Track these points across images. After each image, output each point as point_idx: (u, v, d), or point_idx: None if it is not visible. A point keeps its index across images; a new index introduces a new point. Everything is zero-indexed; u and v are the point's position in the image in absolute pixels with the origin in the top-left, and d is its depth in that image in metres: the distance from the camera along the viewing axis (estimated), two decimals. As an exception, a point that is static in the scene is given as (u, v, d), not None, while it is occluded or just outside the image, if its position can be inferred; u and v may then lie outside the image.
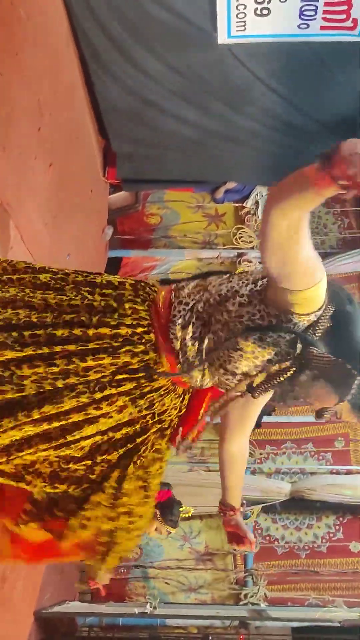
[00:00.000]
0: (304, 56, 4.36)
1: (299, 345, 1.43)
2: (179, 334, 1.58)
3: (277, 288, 1.41)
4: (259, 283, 1.53)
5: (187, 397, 1.77)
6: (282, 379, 1.49)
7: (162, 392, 1.66)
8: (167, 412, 1.71)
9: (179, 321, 1.58)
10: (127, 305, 1.61)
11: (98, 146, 5.22)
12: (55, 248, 4.02)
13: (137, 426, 1.67)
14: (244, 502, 2.00)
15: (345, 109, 4.79)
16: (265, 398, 1.64)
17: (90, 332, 1.56)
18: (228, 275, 1.64)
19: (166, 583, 5.05)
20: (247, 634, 4.82)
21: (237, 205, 6.17)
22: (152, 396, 1.64)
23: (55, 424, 1.56)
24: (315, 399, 1.50)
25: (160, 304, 1.63)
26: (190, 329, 1.57)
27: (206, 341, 1.56)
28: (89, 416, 1.58)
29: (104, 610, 4.16)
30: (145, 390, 1.62)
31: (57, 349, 1.54)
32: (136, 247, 6.09)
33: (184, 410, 1.78)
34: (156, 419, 1.69)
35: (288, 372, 1.48)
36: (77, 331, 1.55)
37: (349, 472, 5.26)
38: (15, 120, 3.09)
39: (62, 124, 4.02)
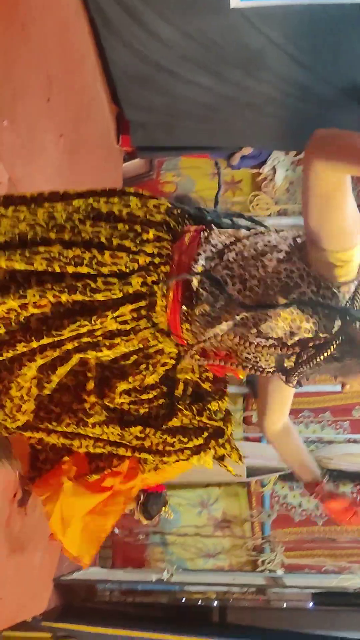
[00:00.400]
0: (319, 20, 4.22)
1: (338, 322, 1.32)
2: (200, 269, 1.47)
3: (316, 249, 1.32)
4: (299, 240, 1.43)
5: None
6: (319, 359, 1.36)
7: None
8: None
9: (202, 261, 1.48)
10: (151, 232, 1.52)
11: (111, 114, 5.14)
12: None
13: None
14: (319, 470, 1.94)
15: (362, 73, 4.65)
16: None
17: (107, 255, 1.49)
18: (263, 229, 1.54)
19: (184, 549, 5.14)
20: (268, 599, 4.92)
21: (253, 171, 6.07)
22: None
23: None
24: (346, 375, 1.45)
25: (186, 241, 1.53)
26: (214, 271, 1.47)
27: (235, 293, 1.45)
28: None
29: (122, 577, 4.25)
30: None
31: (70, 269, 1.49)
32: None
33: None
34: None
35: (326, 351, 1.34)
36: (93, 252, 1.49)
37: (366, 441, 5.26)
38: (24, 94, 3.05)
39: (73, 94, 3.96)
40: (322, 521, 5.20)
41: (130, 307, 1.50)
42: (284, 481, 5.32)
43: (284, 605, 5.03)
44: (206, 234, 1.53)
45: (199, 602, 4.93)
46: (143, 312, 1.53)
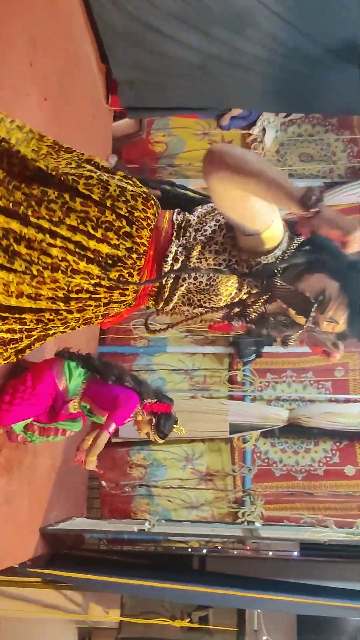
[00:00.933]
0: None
1: (271, 273, 1.64)
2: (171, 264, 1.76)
3: (242, 236, 1.59)
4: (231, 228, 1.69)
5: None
6: (256, 306, 1.71)
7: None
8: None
9: (170, 259, 1.76)
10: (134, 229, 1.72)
11: (100, 73, 5.11)
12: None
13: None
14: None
15: (351, 34, 4.63)
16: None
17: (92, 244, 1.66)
18: (205, 221, 1.76)
19: (169, 501, 5.35)
20: (257, 547, 5.16)
21: (243, 132, 6.06)
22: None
23: None
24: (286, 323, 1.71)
25: (162, 234, 1.77)
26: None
27: (186, 283, 1.77)
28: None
29: (107, 527, 4.45)
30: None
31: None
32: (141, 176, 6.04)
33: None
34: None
35: (259, 301, 1.69)
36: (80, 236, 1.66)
37: (346, 401, 5.42)
38: (5, 57, 3.06)
39: (58, 54, 3.95)
40: (302, 476, 5.41)
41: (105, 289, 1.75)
42: (265, 438, 5.51)
43: (270, 555, 5.29)
44: (176, 232, 1.76)
45: (187, 551, 5.18)
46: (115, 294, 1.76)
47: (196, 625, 4.63)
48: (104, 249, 1.66)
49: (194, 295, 1.79)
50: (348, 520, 5.00)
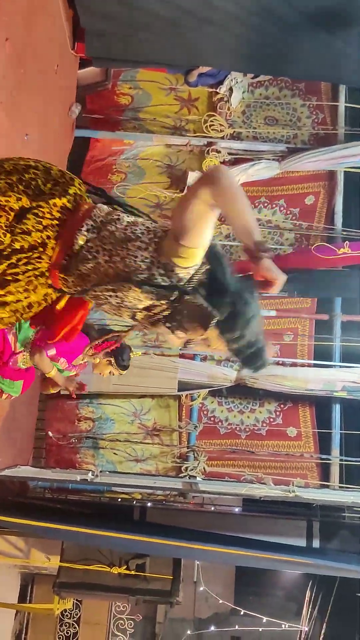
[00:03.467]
0: None
1: (175, 293, 1.81)
2: (81, 241, 1.88)
3: (174, 242, 1.75)
4: (159, 234, 1.83)
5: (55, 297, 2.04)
6: (160, 316, 1.86)
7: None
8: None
9: (84, 231, 1.88)
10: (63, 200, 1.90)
11: (66, 18, 4.95)
12: (13, 128, 3.95)
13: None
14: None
15: (328, 0, 4.58)
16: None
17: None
18: (136, 219, 1.93)
19: (114, 454, 5.45)
20: (201, 502, 5.33)
21: (210, 90, 6.00)
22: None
23: None
24: (187, 330, 1.86)
25: (80, 214, 1.91)
26: (91, 242, 1.88)
27: (102, 261, 1.86)
28: None
29: (50, 476, 4.52)
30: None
31: None
32: (105, 128, 5.95)
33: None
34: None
35: (164, 313, 1.85)
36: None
37: (293, 365, 5.56)
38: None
39: (35, 32, 3.81)
40: (245, 435, 5.57)
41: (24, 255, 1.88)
42: (213, 396, 5.63)
43: (212, 509, 5.48)
44: (94, 212, 1.91)
45: (130, 502, 5.32)
46: (34, 255, 1.90)
47: (133, 573, 4.79)
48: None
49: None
50: (286, 478, 5.19)
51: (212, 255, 1.81)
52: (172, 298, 1.82)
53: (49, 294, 1.99)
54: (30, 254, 1.88)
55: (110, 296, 1.88)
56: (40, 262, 1.89)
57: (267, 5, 4.64)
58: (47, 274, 1.92)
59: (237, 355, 1.84)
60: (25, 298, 1.95)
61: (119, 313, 1.93)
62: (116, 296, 1.86)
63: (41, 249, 1.88)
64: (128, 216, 1.93)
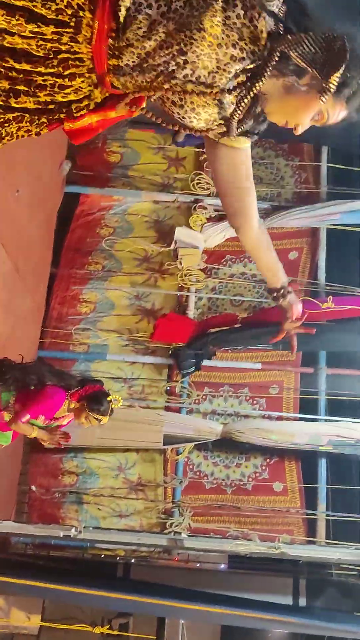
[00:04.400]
0: None
1: (267, 40, 1.32)
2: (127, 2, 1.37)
3: None
4: None
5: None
6: (256, 87, 1.35)
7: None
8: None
9: None
10: None
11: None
12: (4, 183, 4.06)
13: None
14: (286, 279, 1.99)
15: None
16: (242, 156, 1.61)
17: None
18: None
19: (98, 509, 5.37)
20: (186, 559, 5.23)
21: (197, 150, 6.20)
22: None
23: None
24: (291, 108, 1.42)
25: None
26: None
27: (162, 18, 1.36)
28: None
29: (32, 531, 4.44)
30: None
31: None
32: (94, 184, 6.10)
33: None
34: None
35: (262, 77, 1.33)
36: None
37: (279, 418, 5.56)
38: None
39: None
40: (231, 490, 5.51)
41: (52, 29, 1.39)
42: (198, 450, 5.60)
43: (197, 565, 5.38)
44: None
45: (114, 559, 5.21)
46: (65, 39, 1.41)
47: (116, 633, 4.66)
48: None
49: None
50: (272, 534, 5.13)
51: None
52: (264, 48, 1.33)
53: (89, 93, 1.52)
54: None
55: (177, 64, 1.37)
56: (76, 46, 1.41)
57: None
58: (88, 61, 1.43)
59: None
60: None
61: (190, 98, 1.43)
62: (184, 63, 1.36)
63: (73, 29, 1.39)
64: None
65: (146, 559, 5.28)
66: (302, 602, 5.10)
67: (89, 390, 3.31)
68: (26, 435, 3.33)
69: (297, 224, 5.94)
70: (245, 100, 1.40)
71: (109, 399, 3.32)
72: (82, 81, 1.49)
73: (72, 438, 3.58)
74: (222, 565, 5.47)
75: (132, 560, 5.20)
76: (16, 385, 3.26)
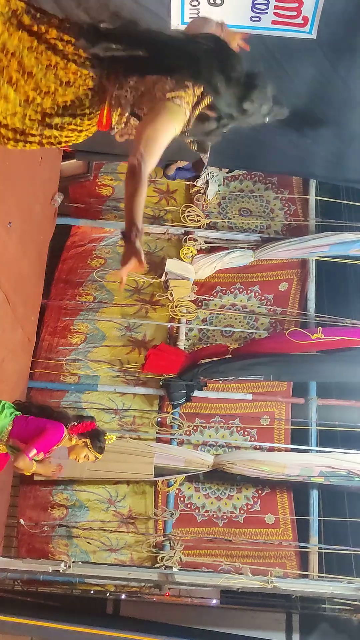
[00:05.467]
0: (256, 49, 4.45)
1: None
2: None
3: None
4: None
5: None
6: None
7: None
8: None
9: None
10: None
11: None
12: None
13: None
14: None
15: (294, 101, 4.92)
16: (171, 126, 2.06)
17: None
18: None
19: (88, 543, 5.28)
20: (178, 594, 5.14)
21: (188, 183, 6.29)
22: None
23: None
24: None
25: None
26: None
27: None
28: None
29: (21, 566, 4.36)
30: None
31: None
32: (86, 216, 6.16)
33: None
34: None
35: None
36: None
37: (270, 449, 5.54)
38: None
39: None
40: (223, 522, 5.45)
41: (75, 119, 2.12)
42: (190, 482, 5.55)
43: (188, 601, 5.28)
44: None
45: (104, 594, 5.11)
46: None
47: (105, 671, 4.54)
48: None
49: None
50: (264, 568, 5.05)
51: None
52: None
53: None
54: None
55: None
56: None
57: (240, 107, 4.96)
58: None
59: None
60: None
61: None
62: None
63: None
64: None
65: (137, 594, 5.18)
66: (296, 638, 5.01)
67: (88, 426, 3.32)
68: (23, 472, 3.28)
69: (286, 255, 6.00)
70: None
71: (105, 437, 3.34)
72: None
73: (62, 470, 3.56)
74: (214, 601, 5.39)
75: (123, 596, 5.11)
76: (19, 408, 3.27)
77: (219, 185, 6.29)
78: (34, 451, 3.09)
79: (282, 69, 4.74)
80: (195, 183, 6.22)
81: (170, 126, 2.05)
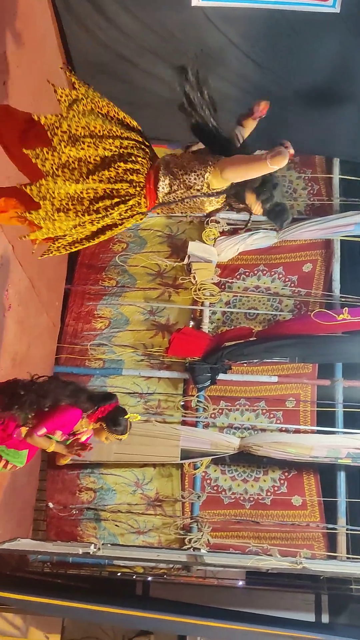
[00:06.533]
0: (278, 24, 4.38)
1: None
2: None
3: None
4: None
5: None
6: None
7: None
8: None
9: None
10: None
11: (71, 98, 5.19)
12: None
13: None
14: None
15: (317, 78, 4.84)
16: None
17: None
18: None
19: (116, 525, 5.33)
20: (204, 575, 5.17)
21: (209, 164, 6.20)
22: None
23: None
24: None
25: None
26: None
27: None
28: None
29: (51, 549, 4.41)
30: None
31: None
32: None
33: None
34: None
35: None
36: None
37: (296, 431, 5.52)
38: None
39: (32, 76, 4.02)
40: (250, 504, 5.46)
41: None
42: (216, 465, 5.56)
43: (215, 582, 5.31)
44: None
45: (131, 576, 5.16)
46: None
47: (136, 651, 4.61)
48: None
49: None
50: (292, 549, 5.06)
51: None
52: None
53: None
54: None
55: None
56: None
57: (260, 84, 4.88)
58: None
59: (269, 214, 2.64)
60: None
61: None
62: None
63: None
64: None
65: (163, 576, 5.22)
66: (325, 618, 5.02)
67: (105, 410, 3.31)
68: (44, 450, 3.31)
69: (310, 235, 5.91)
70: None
71: (126, 417, 3.33)
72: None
73: (89, 454, 3.57)
74: (240, 582, 5.40)
75: (149, 578, 5.15)
76: (31, 408, 3.26)
77: (240, 166, 6.20)
78: (43, 429, 3.12)
79: (304, 45, 4.66)
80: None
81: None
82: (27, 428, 3.22)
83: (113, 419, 3.31)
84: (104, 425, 3.30)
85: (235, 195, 2.68)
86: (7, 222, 2.94)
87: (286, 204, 2.68)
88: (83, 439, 3.39)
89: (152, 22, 4.38)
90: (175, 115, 5.19)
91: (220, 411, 5.68)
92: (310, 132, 5.29)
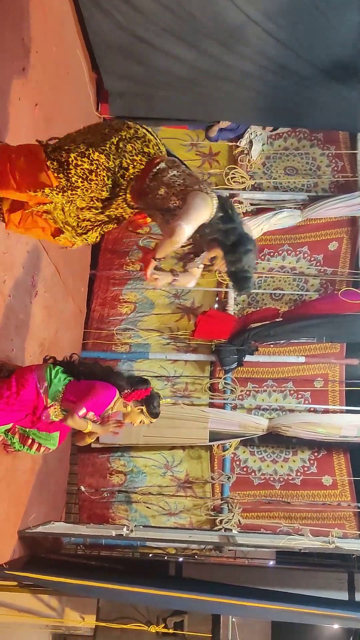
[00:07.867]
0: (296, 0, 4.28)
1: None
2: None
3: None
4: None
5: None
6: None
7: None
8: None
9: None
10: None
11: (91, 81, 5.18)
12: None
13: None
14: None
15: (340, 52, 4.72)
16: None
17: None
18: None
19: (147, 507, 5.38)
20: (235, 556, 5.20)
21: (231, 144, 6.15)
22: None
23: None
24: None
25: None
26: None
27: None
28: None
29: (84, 531, 4.46)
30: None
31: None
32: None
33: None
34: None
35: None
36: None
37: (325, 411, 5.49)
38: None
39: (50, 61, 4.00)
40: (280, 485, 5.46)
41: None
42: (245, 446, 5.56)
43: (246, 563, 5.33)
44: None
45: (163, 558, 5.21)
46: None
47: (171, 631, 4.66)
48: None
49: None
50: (324, 529, 5.06)
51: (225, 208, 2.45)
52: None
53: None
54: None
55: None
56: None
57: (281, 61, 4.79)
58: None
59: (231, 275, 2.54)
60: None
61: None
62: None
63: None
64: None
65: (194, 556, 5.26)
66: (359, 597, 5.01)
67: (143, 393, 3.35)
68: (81, 431, 3.33)
69: (335, 213, 5.84)
70: None
71: (161, 400, 3.39)
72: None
73: (118, 437, 3.60)
74: (271, 562, 5.42)
75: (181, 559, 5.19)
76: (72, 375, 3.30)
77: (262, 145, 6.13)
78: (84, 409, 3.11)
79: (325, 20, 4.54)
80: (238, 144, 6.08)
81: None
82: (57, 404, 3.23)
83: (152, 401, 3.36)
84: (143, 408, 3.36)
85: (200, 237, 2.51)
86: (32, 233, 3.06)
87: (252, 275, 2.57)
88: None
89: (170, 2, 4.30)
90: (195, 96, 5.22)
91: (247, 393, 5.67)
92: (333, 108, 5.18)
